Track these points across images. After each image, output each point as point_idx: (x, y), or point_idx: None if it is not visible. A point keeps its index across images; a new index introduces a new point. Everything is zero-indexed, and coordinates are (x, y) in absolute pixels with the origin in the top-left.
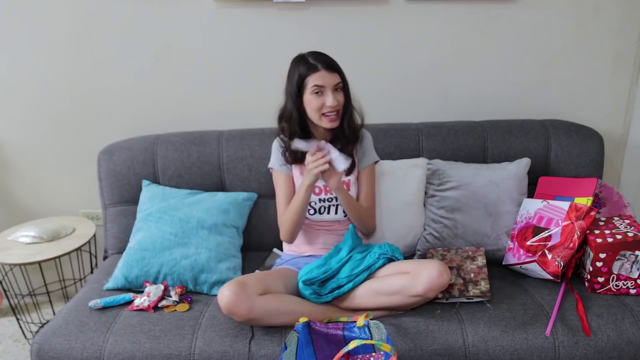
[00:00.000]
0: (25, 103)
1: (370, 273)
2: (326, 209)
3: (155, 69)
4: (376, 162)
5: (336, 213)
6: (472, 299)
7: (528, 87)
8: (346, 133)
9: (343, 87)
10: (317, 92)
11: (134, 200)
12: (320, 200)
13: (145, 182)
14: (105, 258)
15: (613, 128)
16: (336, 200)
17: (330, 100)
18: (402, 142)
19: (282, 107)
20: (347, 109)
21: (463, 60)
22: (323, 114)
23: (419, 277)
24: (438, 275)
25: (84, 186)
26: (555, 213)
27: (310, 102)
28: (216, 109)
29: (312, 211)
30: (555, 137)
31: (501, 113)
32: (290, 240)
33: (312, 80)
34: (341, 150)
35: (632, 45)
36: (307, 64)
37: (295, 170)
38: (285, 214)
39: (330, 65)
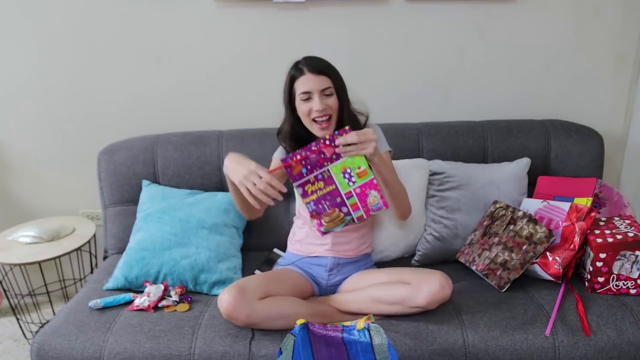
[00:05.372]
0: (25, 103)
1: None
2: None
3: (155, 69)
4: (390, 152)
5: None
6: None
7: (528, 87)
8: None
9: (337, 91)
10: (305, 99)
11: (134, 200)
12: None
13: (145, 182)
14: (105, 258)
15: (613, 128)
16: None
17: (317, 104)
18: (402, 142)
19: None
20: (342, 114)
21: (463, 60)
22: (313, 120)
23: (421, 289)
24: (440, 288)
25: (84, 186)
26: (556, 213)
27: (299, 107)
28: (216, 109)
29: None
30: (555, 137)
31: (501, 113)
32: (248, 217)
33: (299, 85)
34: None
35: (632, 46)
36: (295, 68)
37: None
38: None
39: (318, 68)
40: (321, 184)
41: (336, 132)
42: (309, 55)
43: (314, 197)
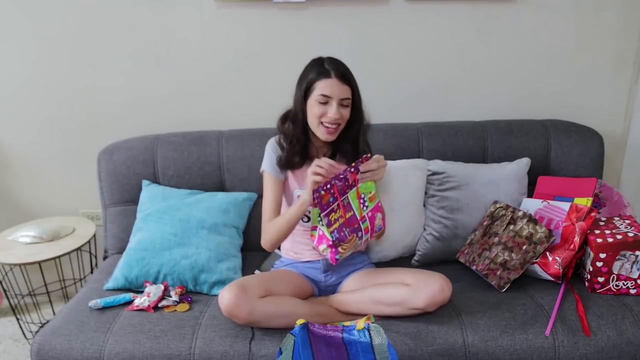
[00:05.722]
0: (25, 103)
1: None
2: None
3: (155, 69)
4: None
5: None
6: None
7: (528, 87)
8: (347, 150)
9: (353, 103)
10: (323, 102)
11: (134, 200)
12: None
13: (145, 182)
14: (105, 258)
15: (613, 128)
16: None
17: (333, 112)
18: (402, 142)
19: (290, 108)
20: (352, 126)
21: (463, 60)
22: (321, 123)
23: (420, 291)
24: (439, 290)
25: (84, 186)
26: (556, 213)
27: (312, 107)
28: (216, 109)
29: (305, 219)
30: (555, 137)
31: (501, 113)
32: (270, 249)
33: (319, 87)
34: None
35: (633, 45)
36: (321, 68)
37: (290, 175)
38: (273, 223)
39: (344, 76)
40: (342, 211)
41: (360, 160)
42: (334, 58)
43: (337, 225)
